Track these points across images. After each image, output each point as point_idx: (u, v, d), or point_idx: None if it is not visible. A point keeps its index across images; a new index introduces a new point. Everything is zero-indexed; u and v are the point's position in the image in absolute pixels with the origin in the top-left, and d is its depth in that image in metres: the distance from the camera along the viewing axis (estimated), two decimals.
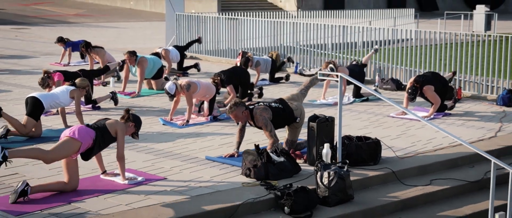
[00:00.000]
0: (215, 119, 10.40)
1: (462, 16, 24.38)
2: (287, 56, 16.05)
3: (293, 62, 15.83)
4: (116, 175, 7.33)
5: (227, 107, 8.56)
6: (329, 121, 7.97)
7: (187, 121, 10.07)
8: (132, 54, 12.57)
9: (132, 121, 7.32)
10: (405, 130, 9.98)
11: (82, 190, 6.89)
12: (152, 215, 6.26)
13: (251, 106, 8.17)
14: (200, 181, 7.30)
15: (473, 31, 14.83)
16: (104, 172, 7.41)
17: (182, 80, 10.30)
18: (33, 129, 9.03)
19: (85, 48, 14.35)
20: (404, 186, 7.64)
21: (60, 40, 16.56)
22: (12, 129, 8.96)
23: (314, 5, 34.27)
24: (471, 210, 7.36)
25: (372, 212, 7.05)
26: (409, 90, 10.75)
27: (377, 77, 13.91)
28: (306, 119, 8.18)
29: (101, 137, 7.00)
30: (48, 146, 7.18)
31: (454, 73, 12.71)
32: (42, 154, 6.77)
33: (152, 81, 12.99)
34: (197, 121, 10.34)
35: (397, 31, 15.73)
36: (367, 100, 12.31)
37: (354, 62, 13.49)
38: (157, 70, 12.86)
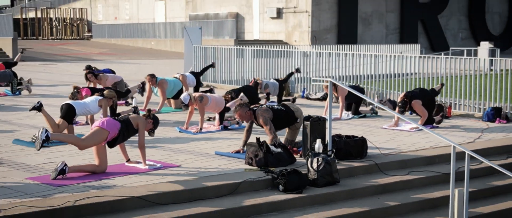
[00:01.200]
0: (225, 128, 11.76)
1: (465, 51, 25.79)
2: (296, 67, 17.36)
3: (300, 72, 17.17)
4: (138, 162, 8.70)
5: (233, 109, 9.96)
6: (321, 121, 9.31)
7: (200, 129, 11.45)
8: (152, 76, 14.05)
9: (151, 118, 8.74)
10: (393, 137, 11.27)
11: (110, 172, 8.27)
12: (167, 188, 7.60)
13: (254, 108, 9.54)
14: (209, 168, 8.64)
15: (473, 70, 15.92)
16: (128, 160, 8.78)
17: (196, 93, 11.75)
18: (66, 131, 10.44)
19: (88, 73, 15.31)
20: (385, 175, 8.91)
21: (88, 68, 18.05)
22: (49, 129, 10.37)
23: (328, 42, 35.80)
24: (441, 194, 8.57)
25: (354, 192, 8.32)
26: (399, 104, 12.06)
27: (375, 99, 15.21)
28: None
29: (126, 128, 8.39)
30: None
31: (443, 85, 13.86)
32: (77, 141, 8.18)
33: (172, 101, 14.42)
34: (209, 130, 11.71)
35: (404, 59, 16.75)
36: (364, 117, 13.61)
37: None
38: (177, 91, 14.28)
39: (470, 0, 43.89)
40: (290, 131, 9.75)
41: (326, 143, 9.05)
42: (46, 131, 7.79)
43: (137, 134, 8.54)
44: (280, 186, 8.00)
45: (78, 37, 52.53)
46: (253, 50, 19.03)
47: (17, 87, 17.10)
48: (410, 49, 27.81)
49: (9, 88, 17.25)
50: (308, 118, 9.28)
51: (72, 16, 53.80)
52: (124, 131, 8.39)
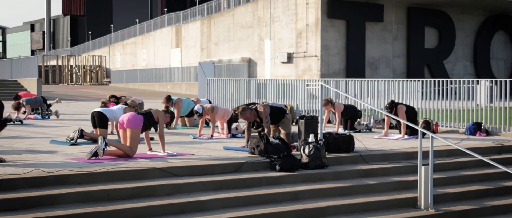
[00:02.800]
0: (233, 136, 13.45)
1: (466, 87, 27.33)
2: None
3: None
4: (158, 152, 10.38)
5: (239, 113, 11.72)
6: (314, 119, 10.98)
7: (211, 136, 13.13)
8: (168, 99, 15.74)
9: (169, 113, 10.50)
10: (381, 142, 12.89)
11: (135, 157, 9.95)
12: (183, 164, 9.26)
13: (253, 107, 11.30)
14: (218, 156, 10.31)
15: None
16: (150, 149, 10.47)
17: (207, 105, 13.52)
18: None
19: (111, 96, 17.09)
20: (368, 164, 10.51)
21: (112, 96, 19.86)
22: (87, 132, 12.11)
23: (337, 74, 37.50)
24: (415, 178, 10.11)
25: (340, 174, 9.93)
26: (387, 105, 13.77)
27: (372, 119, 16.84)
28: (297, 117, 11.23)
29: (148, 120, 10.15)
30: None
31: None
32: (127, 150, 9.88)
33: (186, 119, 16.15)
34: (219, 137, 13.39)
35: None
36: (359, 132, 15.22)
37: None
38: (190, 110, 16.01)
39: (475, 46, 45.55)
40: (283, 124, 11.49)
41: (317, 136, 10.73)
42: (104, 139, 9.55)
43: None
44: (277, 166, 9.64)
45: (97, 83, 54.78)
46: (257, 83, 20.86)
47: (47, 112, 18.90)
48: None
49: (39, 112, 19.01)
50: (303, 117, 10.97)
51: (91, 64, 56.21)
52: (146, 122, 10.13)
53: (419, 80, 18.06)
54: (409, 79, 18.43)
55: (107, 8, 73.09)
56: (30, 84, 33.17)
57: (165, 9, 59.95)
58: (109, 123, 12.97)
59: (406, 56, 42.45)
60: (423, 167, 9.30)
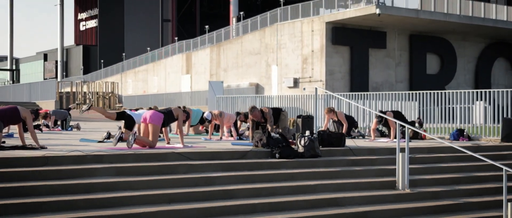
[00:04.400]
0: (240, 138, 15.22)
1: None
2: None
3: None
4: (177, 143, 12.16)
5: (249, 110, 13.63)
6: (310, 118, 12.76)
7: (220, 138, 14.91)
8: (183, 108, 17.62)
9: (186, 112, 12.29)
10: (370, 143, 14.62)
11: (157, 147, 11.73)
12: (196, 150, 11.03)
13: (261, 109, 13.13)
14: (227, 147, 12.07)
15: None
16: (168, 142, 12.27)
17: (215, 111, 15.38)
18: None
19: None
20: (357, 156, 12.24)
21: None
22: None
23: (340, 90, 39.17)
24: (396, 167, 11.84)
25: (331, 163, 11.66)
26: (379, 112, 15.49)
27: (367, 130, 18.56)
28: (294, 117, 13.02)
29: (167, 117, 11.94)
30: None
31: (420, 120, 17.27)
32: (149, 143, 11.65)
33: (191, 128, 17.91)
34: (227, 139, 15.17)
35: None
36: (354, 138, 16.94)
37: None
38: (199, 119, 17.79)
39: (476, 73, 47.23)
40: (281, 121, 13.32)
41: (312, 132, 12.50)
42: (134, 134, 11.37)
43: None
44: (276, 154, 11.40)
45: (109, 108, 56.74)
46: (262, 100, 22.72)
47: (69, 124, 20.72)
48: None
49: (60, 125, 20.79)
50: (300, 115, 12.77)
51: (104, 90, 58.24)
52: (166, 119, 11.94)
53: (417, 93, 19.50)
54: (409, 92, 20.12)
55: (119, 37, 75.40)
56: (48, 106, 35.15)
57: (176, 38, 62.16)
58: (136, 125, 14.78)
59: (408, 81, 44.11)
60: (400, 154, 11.02)
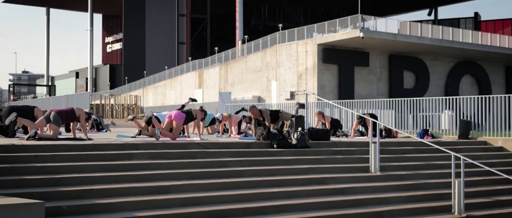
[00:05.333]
0: (245, 135, 16.31)
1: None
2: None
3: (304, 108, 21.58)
4: (195, 137, 13.26)
5: (249, 108, 14.68)
6: (301, 117, 13.84)
7: (229, 135, 16.01)
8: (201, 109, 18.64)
9: (202, 111, 13.39)
10: (351, 139, 15.69)
11: (178, 140, 12.83)
12: (210, 141, 12.14)
13: (260, 108, 14.20)
14: (235, 140, 13.16)
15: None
16: (188, 136, 13.37)
17: (225, 113, 16.51)
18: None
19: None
20: (339, 147, 13.32)
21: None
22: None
23: (329, 98, 40.12)
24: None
25: (318, 152, 12.74)
26: (358, 116, 16.56)
27: (351, 131, 19.61)
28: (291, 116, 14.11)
29: (188, 116, 13.04)
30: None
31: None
32: (171, 136, 12.74)
33: (208, 128, 18.99)
34: (236, 136, 16.26)
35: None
36: (338, 137, 17.99)
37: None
38: (210, 121, 18.81)
39: (446, 87, 48.05)
40: (280, 119, 14.38)
41: (304, 128, 13.59)
42: (159, 130, 12.48)
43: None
44: (274, 145, 12.49)
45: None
46: (262, 106, 23.76)
47: (104, 125, 21.81)
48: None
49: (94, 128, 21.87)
50: (294, 116, 13.86)
51: (128, 102, 59.39)
52: (187, 118, 13.05)
53: (394, 100, 20.53)
54: (388, 99, 21.18)
55: (140, 57, 76.48)
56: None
57: (190, 58, 63.30)
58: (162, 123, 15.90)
59: (388, 94, 44.94)
60: (373, 144, 12.11)
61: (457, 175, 11.02)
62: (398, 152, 13.99)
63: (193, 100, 17.81)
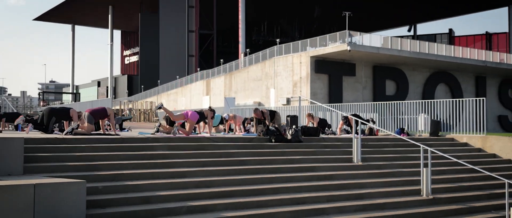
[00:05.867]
0: (247, 132, 16.98)
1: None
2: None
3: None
4: (205, 133, 13.93)
5: (253, 110, 15.34)
6: (295, 117, 14.53)
7: (235, 133, 16.67)
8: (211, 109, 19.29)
9: (212, 111, 14.08)
10: (337, 136, 16.36)
11: (191, 136, 13.50)
12: (219, 136, 12.82)
13: (261, 110, 14.88)
14: (240, 136, 13.84)
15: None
16: (199, 133, 14.04)
17: (231, 113, 17.16)
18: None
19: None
20: (327, 142, 13.99)
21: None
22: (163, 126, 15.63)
23: (321, 94, 40.68)
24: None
25: (309, 146, 13.40)
26: (343, 116, 17.21)
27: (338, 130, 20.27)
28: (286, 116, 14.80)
29: (201, 116, 13.72)
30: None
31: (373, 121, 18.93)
32: (185, 133, 13.40)
33: (214, 128, 19.65)
34: (240, 134, 16.93)
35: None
36: (327, 134, 18.66)
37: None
38: (218, 122, 19.50)
39: (423, 95, 48.57)
40: (276, 120, 15.05)
41: (298, 126, 14.26)
42: (177, 127, 13.15)
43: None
44: (273, 140, 13.18)
45: (148, 121, 58.42)
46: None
47: (124, 127, 22.44)
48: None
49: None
50: (289, 115, 14.55)
51: (144, 107, 60.02)
52: (200, 117, 13.73)
53: (378, 103, 21.27)
54: (372, 102, 21.84)
55: (155, 68, 77.09)
56: None
57: (198, 68, 64.01)
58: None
59: (372, 101, 45.62)
60: (355, 139, 12.78)
61: (426, 165, 11.69)
62: (377, 146, 14.65)
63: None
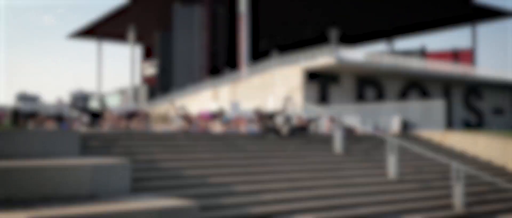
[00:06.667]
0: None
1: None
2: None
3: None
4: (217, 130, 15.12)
5: (256, 112, 16.45)
6: (289, 116, 15.69)
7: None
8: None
9: (222, 111, 15.25)
10: (323, 132, 17.51)
11: (207, 130, 14.68)
12: (228, 132, 13.99)
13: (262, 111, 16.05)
14: (244, 131, 15.00)
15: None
16: (212, 128, 15.21)
17: (237, 114, 18.30)
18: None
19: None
20: (314, 137, 15.14)
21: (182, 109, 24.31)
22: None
23: (313, 102, 41.57)
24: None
25: (299, 139, 14.56)
26: (329, 117, 18.36)
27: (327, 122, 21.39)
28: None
29: (213, 116, 14.89)
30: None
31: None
32: (201, 128, 14.58)
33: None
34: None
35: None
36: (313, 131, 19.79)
37: None
38: (227, 121, 20.65)
39: (399, 97, 49.70)
40: (273, 118, 16.15)
41: (291, 123, 15.43)
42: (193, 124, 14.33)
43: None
44: (270, 133, 14.34)
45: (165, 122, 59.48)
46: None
47: None
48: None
49: None
50: (283, 115, 15.72)
51: (162, 111, 61.14)
52: (213, 116, 14.90)
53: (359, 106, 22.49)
54: (354, 105, 22.92)
55: (170, 79, 78.18)
56: None
57: (207, 78, 65.03)
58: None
59: (356, 109, 46.50)
60: (337, 133, 13.94)
61: (393, 153, 12.85)
62: (355, 139, 15.81)
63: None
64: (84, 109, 14.73)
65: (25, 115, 13.58)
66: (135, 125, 15.16)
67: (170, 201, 7.21)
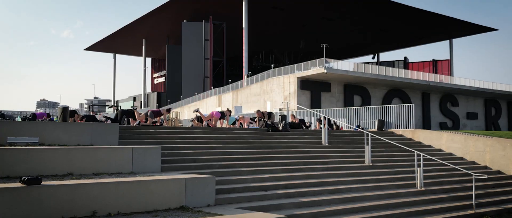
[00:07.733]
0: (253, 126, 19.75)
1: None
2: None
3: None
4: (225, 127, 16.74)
5: (256, 111, 18.09)
6: (284, 116, 17.35)
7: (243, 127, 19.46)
8: (229, 110, 22.03)
9: (229, 111, 16.90)
10: (313, 129, 19.14)
11: (216, 127, 16.31)
12: (234, 128, 15.65)
13: (262, 111, 17.68)
14: (246, 128, 16.63)
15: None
16: (221, 125, 16.84)
17: (240, 115, 19.95)
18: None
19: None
20: (307, 131, 16.78)
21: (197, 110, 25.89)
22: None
23: (306, 107, 43.12)
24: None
25: (294, 133, 16.20)
26: (318, 118, 19.99)
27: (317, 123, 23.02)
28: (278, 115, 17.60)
29: (222, 114, 16.53)
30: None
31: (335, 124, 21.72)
32: (213, 124, 16.22)
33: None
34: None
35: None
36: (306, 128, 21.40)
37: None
38: (232, 122, 22.23)
39: (382, 102, 51.17)
40: (272, 117, 17.82)
41: (286, 121, 17.07)
42: (206, 122, 15.95)
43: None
44: (269, 129, 15.99)
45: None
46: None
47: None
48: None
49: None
50: (280, 115, 17.37)
51: (172, 117, 62.56)
52: (221, 116, 16.53)
53: (347, 109, 24.08)
54: (342, 108, 24.54)
55: (178, 87, 79.71)
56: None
57: (212, 86, 66.67)
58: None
59: (344, 113, 48.03)
60: (324, 130, 15.57)
61: (368, 143, 14.46)
62: (340, 135, 17.43)
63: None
64: (123, 111, 16.41)
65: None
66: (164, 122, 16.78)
67: (193, 175, 8.87)
